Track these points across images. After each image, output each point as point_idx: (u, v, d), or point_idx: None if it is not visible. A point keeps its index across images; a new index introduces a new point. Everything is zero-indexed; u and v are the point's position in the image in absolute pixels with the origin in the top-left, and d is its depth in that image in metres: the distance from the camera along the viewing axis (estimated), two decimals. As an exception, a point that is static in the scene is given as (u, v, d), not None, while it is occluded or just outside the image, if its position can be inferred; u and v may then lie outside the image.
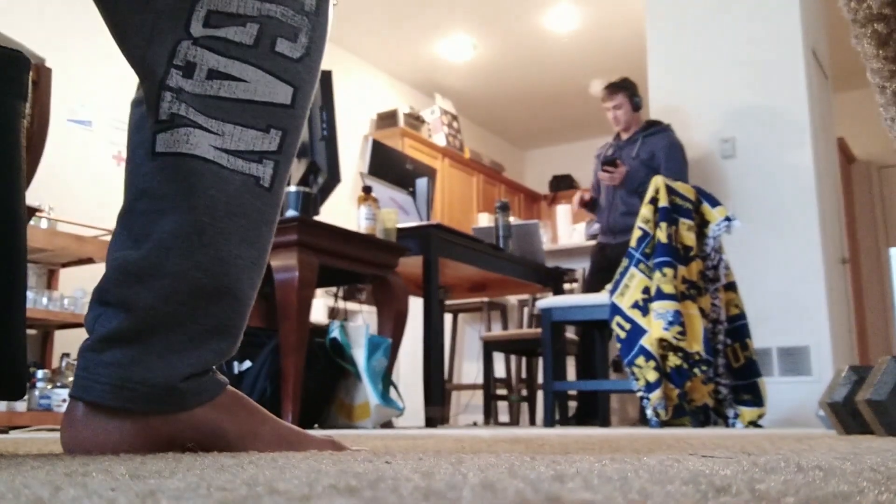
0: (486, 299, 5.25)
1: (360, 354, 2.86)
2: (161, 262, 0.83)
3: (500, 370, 5.19)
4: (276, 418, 0.94)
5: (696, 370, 3.06)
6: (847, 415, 1.78)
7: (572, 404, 4.54)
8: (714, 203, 3.33)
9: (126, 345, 0.83)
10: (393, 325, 3.07)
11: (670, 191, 3.25)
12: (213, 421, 0.87)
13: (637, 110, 4.24)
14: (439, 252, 3.35)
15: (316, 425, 2.92)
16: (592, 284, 4.10)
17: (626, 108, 4.21)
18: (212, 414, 0.88)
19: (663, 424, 3.04)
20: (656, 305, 3.09)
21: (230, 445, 0.88)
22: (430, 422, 3.17)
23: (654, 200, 3.25)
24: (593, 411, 4.00)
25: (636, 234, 3.26)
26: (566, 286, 4.48)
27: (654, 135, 4.14)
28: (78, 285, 3.85)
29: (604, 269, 4.08)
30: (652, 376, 3.05)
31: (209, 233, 0.83)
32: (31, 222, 3.52)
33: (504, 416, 5.56)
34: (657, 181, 3.27)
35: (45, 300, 3.64)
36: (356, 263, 2.96)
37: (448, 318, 5.35)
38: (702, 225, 3.31)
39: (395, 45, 6.39)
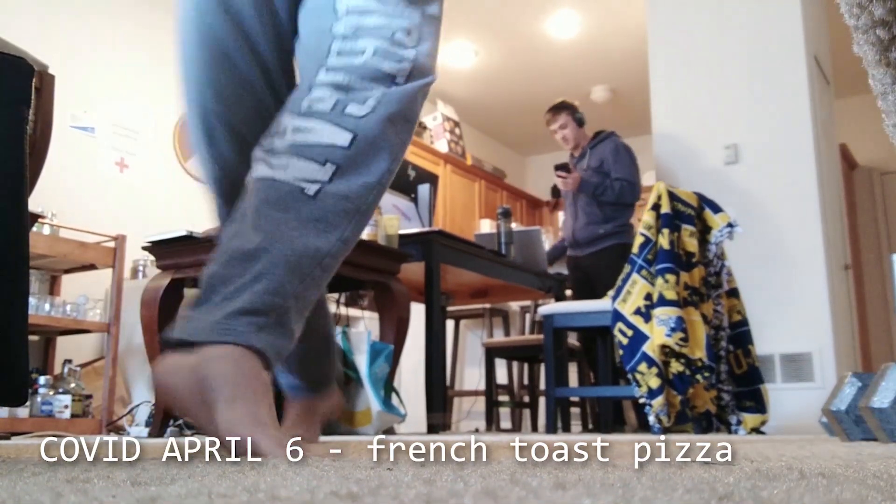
0: (487, 305, 5.24)
1: (361, 361, 2.85)
2: (216, 238, 1.07)
3: (501, 376, 5.18)
4: (274, 421, 0.95)
5: (698, 376, 3.05)
6: (850, 422, 1.78)
7: (575, 410, 4.54)
8: (716, 209, 3.33)
9: (194, 305, 1.01)
10: (395, 331, 3.06)
11: (672, 197, 3.25)
12: (206, 366, 0.94)
13: (581, 126, 4.42)
14: (441, 258, 3.35)
15: (317, 432, 2.92)
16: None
17: (570, 126, 4.39)
18: (214, 356, 0.95)
19: (666, 431, 3.03)
20: (658, 312, 3.09)
21: (215, 405, 0.92)
22: (432, 428, 3.16)
23: (656, 207, 3.24)
24: (620, 418, 4.06)
25: (638, 240, 3.26)
26: (568, 292, 4.48)
27: (600, 143, 4.33)
28: (80, 291, 3.85)
29: (583, 282, 4.23)
30: (654, 383, 3.04)
31: (253, 213, 1.03)
32: (34, 228, 3.53)
33: (506, 423, 5.55)
34: (659, 187, 3.27)
35: (47, 306, 3.64)
36: (358, 270, 2.96)
37: (450, 324, 5.34)
38: (704, 231, 3.31)
39: (397, 51, 6.39)
